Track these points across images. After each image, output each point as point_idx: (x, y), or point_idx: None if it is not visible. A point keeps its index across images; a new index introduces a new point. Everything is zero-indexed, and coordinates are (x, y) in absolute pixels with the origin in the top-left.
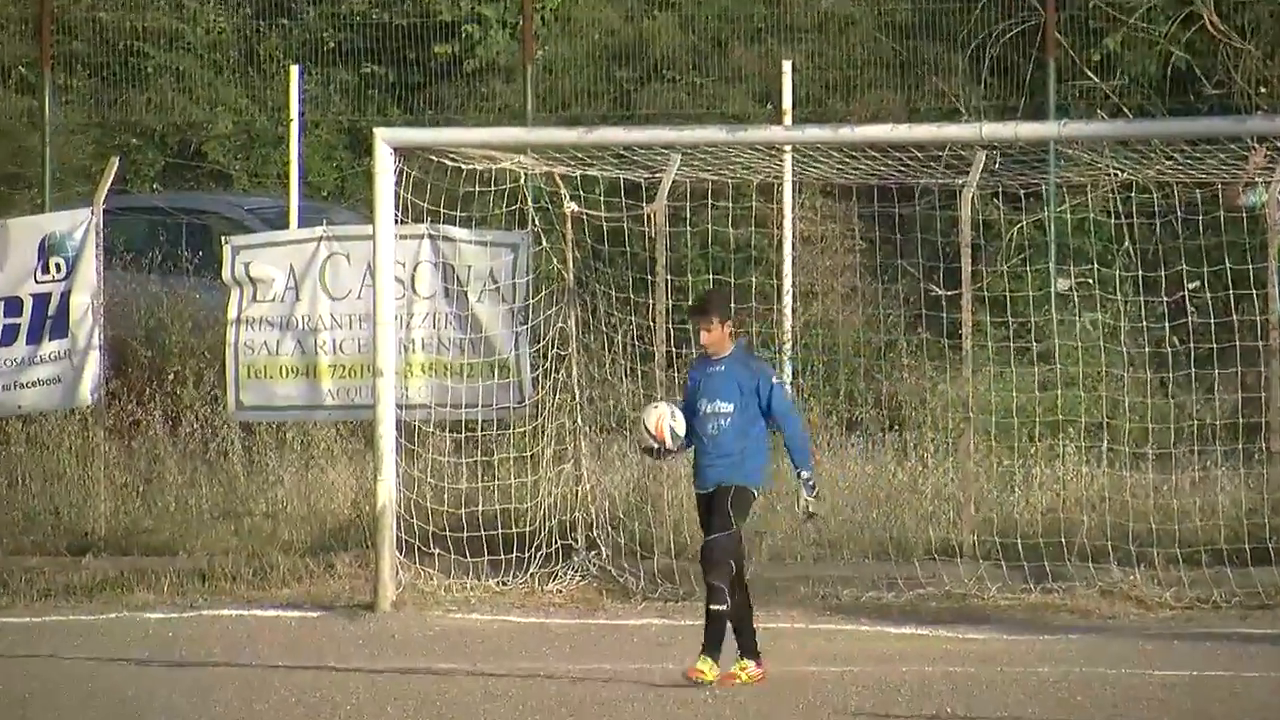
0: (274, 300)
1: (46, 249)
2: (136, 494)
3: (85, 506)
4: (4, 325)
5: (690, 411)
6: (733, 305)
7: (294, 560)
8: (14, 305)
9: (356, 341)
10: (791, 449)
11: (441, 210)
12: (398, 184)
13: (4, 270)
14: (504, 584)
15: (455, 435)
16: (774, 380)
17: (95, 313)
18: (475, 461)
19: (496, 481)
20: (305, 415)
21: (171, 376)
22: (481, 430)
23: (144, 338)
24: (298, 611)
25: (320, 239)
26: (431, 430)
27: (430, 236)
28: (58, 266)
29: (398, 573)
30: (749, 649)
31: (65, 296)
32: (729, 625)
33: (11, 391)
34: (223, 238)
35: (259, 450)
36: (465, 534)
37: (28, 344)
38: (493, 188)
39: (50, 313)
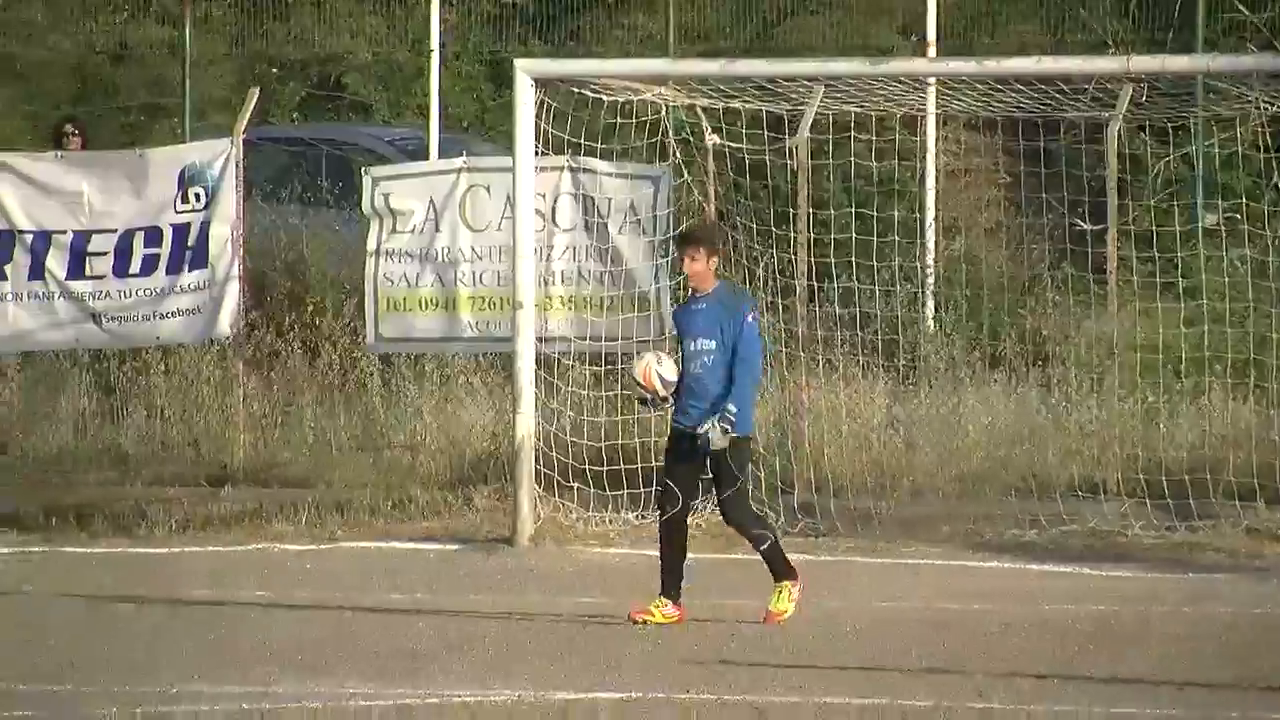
0: (413, 232)
1: (186, 179)
2: (275, 426)
3: (224, 438)
4: (143, 255)
5: (681, 351)
6: (720, 241)
7: (432, 493)
8: (154, 235)
9: (496, 274)
10: (736, 378)
11: (582, 142)
12: (538, 115)
13: (143, 200)
14: (643, 518)
15: (595, 368)
16: (748, 317)
17: (234, 244)
18: (615, 395)
19: (636, 415)
20: (444, 348)
21: (310, 308)
22: (621, 363)
23: (283, 269)
24: (436, 545)
25: (460, 170)
26: (571, 363)
27: (571, 169)
28: (197, 197)
29: (536, 507)
30: (671, 588)
31: (205, 227)
32: (668, 561)
33: (150, 322)
34: (362, 169)
35: (397, 382)
36: (604, 468)
37: (167, 274)
38: (634, 120)
39: (189, 243)
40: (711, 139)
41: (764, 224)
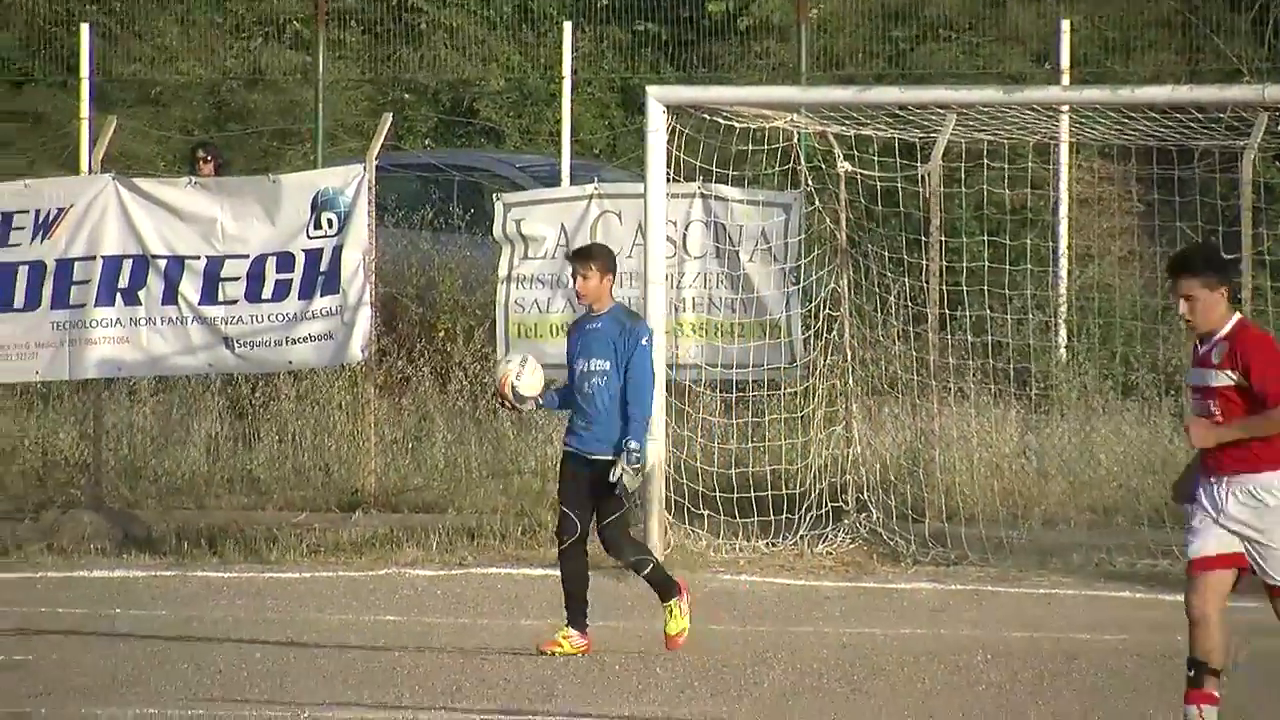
0: (545, 258)
1: (318, 205)
2: (406, 451)
3: (355, 463)
4: (276, 281)
5: (570, 371)
6: (614, 260)
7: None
8: (286, 261)
9: (627, 300)
10: (630, 413)
11: (714, 169)
12: (670, 142)
13: (276, 226)
14: (773, 546)
15: (725, 395)
16: (643, 341)
17: (366, 269)
18: (745, 422)
19: (766, 442)
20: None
21: (442, 333)
22: (752, 390)
23: (414, 294)
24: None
25: (591, 197)
26: (701, 390)
27: (702, 195)
28: (329, 222)
29: (666, 533)
30: (577, 618)
31: (337, 252)
32: (571, 589)
33: (283, 347)
34: (494, 195)
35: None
36: (734, 495)
37: (299, 299)
38: (765, 146)
39: (322, 269)
40: (843, 166)
41: (895, 251)
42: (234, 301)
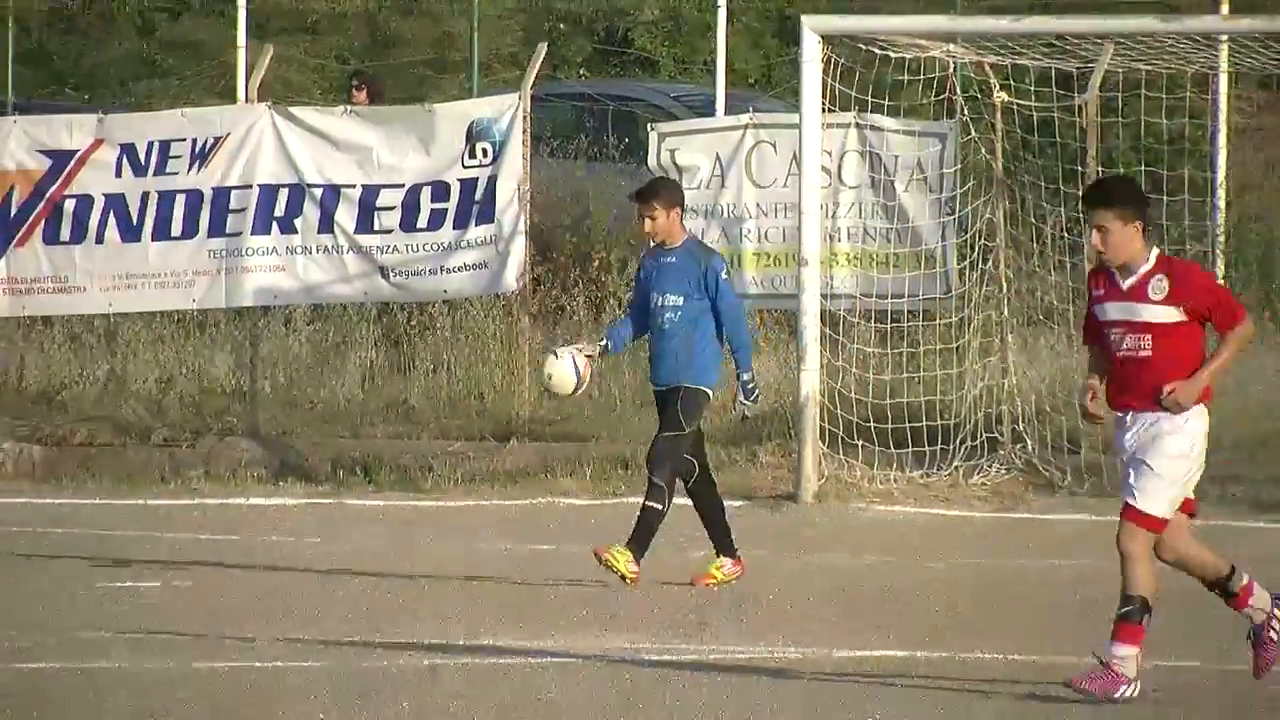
0: (699, 188)
1: (473, 135)
2: None
3: (509, 392)
4: (431, 210)
5: (643, 304)
6: (679, 194)
7: (715, 449)
8: (440, 190)
9: (781, 230)
10: (733, 347)
11: (869, 99)
12: (825, 72)
13: (431, 155)
14: (927, 477)
15: (879, 326)
16: (721, 273)
17: (521, 199)
18: (900, 353)
19: (921, 373)
20: None
21: (595, 263)
22: (906, 321)
23: (569, 224)
24: None
25: (746, 127)
26: (855, 320)
27: (857, 125)
28: (484, 152)
29: (820, 464)
30: (725, 546)
31: (491, 182)
32: (709, 520)
33: (438, 276)
34: (649, 125)
35: None
36: (889, 425)
37: (454, 229)
38: (921, 76)
39: (476, 198)
40: (999, 96)
41: (1051, 182)
42: (389, 231)
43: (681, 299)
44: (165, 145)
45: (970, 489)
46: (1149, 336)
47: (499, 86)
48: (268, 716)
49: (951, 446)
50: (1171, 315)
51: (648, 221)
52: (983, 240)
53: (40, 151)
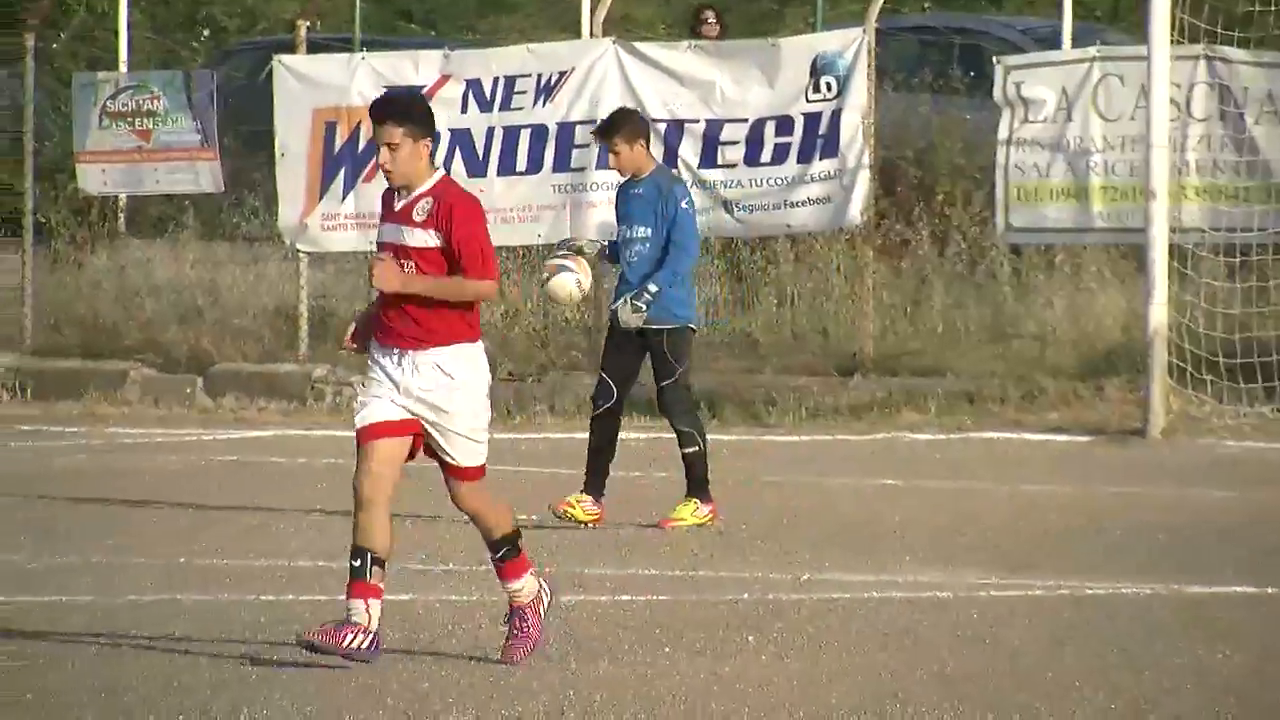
0: (1045, 121)
1: (818, 69)
2: (904, 315)
3: (853, 327)
4: (775, 144)
5: (617, 237)
6: (641, 124)
7: (1062, 384)
8: (785, 124)
9: (1128, 164)
10: (665, 264)
11: (1218, 30)
12: (1174, 4)
13: (775, 89)
14: (1277, 412)
15: (1229, 259)
16: (682, 202)
17: (866, 133)
18: (1249, 286)
19: (1271, 307)
20: (1075, 239)
21: (940, 197)
22: (1256, 254)
23: (913, 158)
24: (1065, 436)
25: (1093, 60)
26: (1204, 254)
27: (1206, 58)
28: (829, 86)
29: (1168, 399)
30: (595, 486)
31: (836, 116)
32: (594, 458)
33: (781, 210)
34: (994, 58)
35: (1027, 272)
36: (1238, 360)
37: (798, 163)
38: (1272, 7)
39: (821, 132)
40: None
41: None
42: (733, 165)
43: (649, 230)
44: (510, 80)
45: None
46: (408, 263)
47: (843, 20)
48: (612, 644)
49: None
50: (430, 240)
51: (611, 157)
52: None
53: (386, 87)
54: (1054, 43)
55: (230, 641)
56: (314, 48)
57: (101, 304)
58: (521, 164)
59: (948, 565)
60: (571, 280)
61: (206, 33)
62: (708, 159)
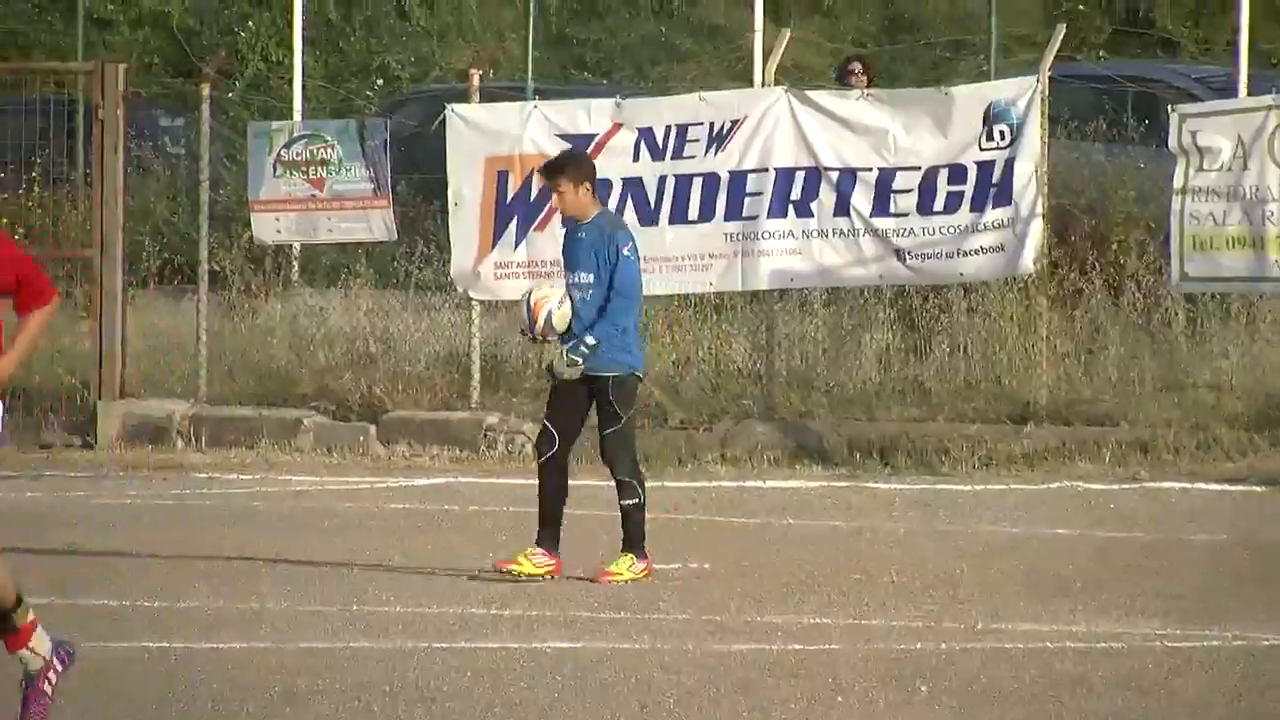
0: (1220, 169)
1: (991, 117)
2: (1078, 363)
3: (1026, 375)
4: (948, 193)
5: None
6: (588, 167)
7: (1238, 434)
8: (958, 173)
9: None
10: (605, 314)
11: None
12: None
13: (948, 138)
14: None
15: None
16: (624, 248)
17: (1038, 181)
18: None
19: None
20: (1250, 287)
21: (1114, 245)
22: None
23: (1086, 206)
24: (1241, 486)
25: (1269, 108)
26: None
27: None
28: (1002, 134)
29: None
30: (548, 538)
31: (1009, 164)
32: (545, 507)
33: (954, 259)
34: (1169, 106)
35: (1203, 321)
36: None
37: (971, 212)
38: None
39: (994, 181)
40: None
41: None
42: (905, 214)
43: (591, 276)
44: (682, 129)
45: None
46: None
47: (1017, 68)
48: (785, 693)
49: None
50: None
51: (555, 198)
52: None
53: (559, 136)
54: (1229, 90)
55: (402, 689)
56: (486, 96)
57: (275, 352)
58: (693, 213)
59: (1122, 615)
60: (554, 298)
61: (380, 81)
62: (880, 207)
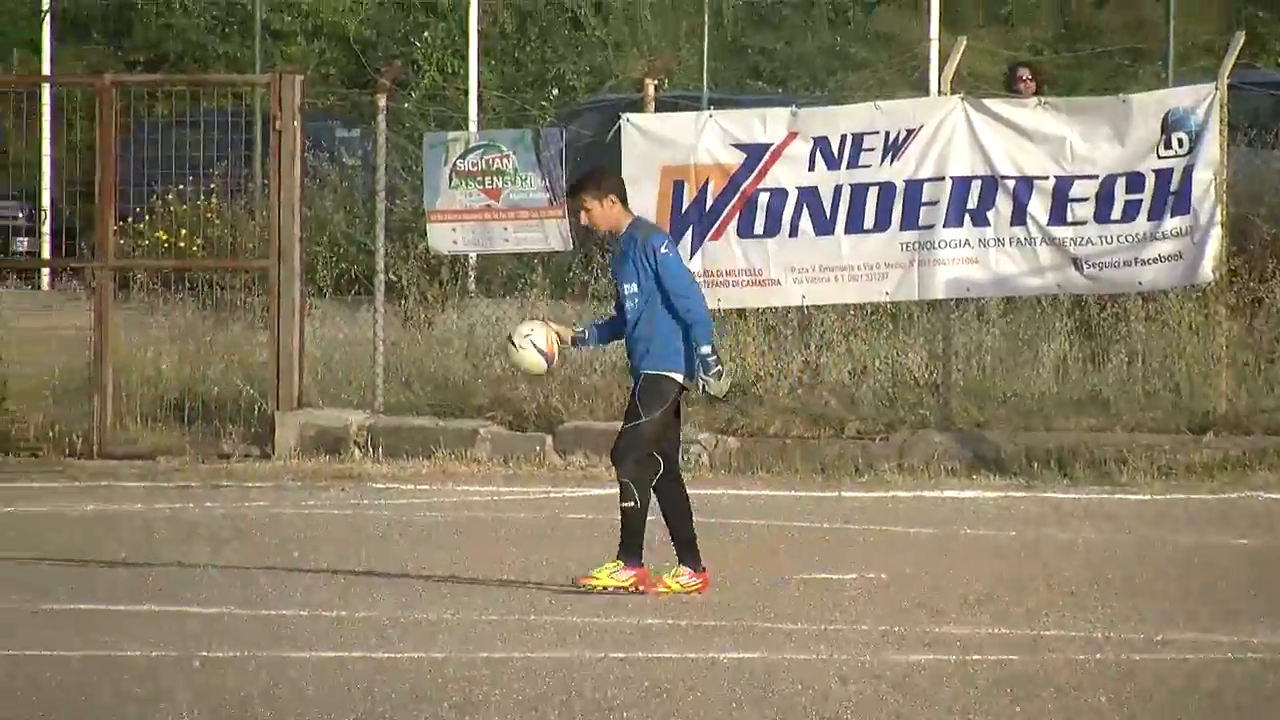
0: None
1: (1169, 124)
2: (1258, 372)
3: (1205, 385)
4: (1125, 201)
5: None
6: (611, 179)
7: None
8: (1136, 181)
9: None
10: (686, 323)
11: None
12: None
13: (1125, 146)
14: None
15: None
16: (661, 248)
17: (1217, 189)
18: None
19: None
20: None
21: None
22: None
23: (1267, 214)
24: None
25: None
26: None
27: None
28: (1180, 142)
29: None
30: (687, 555)
31: (1188, 172)
32: (672, 524)
33: (1132, 268)
34: None
35: None
36: None
37: (1149, 220)
38: None
39: (1172, 189)
40: None
41: None
42: (1083, 222)
43: (636, 286)
44: (858, 138)
45: None
46: None
47: (1194, 75)
48: (965, 704)
49: None
50: None
51: (582, 215)
52: None
53: (734, 145)
54: None
55: (579, 699)
56: (661, 106)
57: (452, 362)
58: (869, 222)
59: (1253, 625)
60: (535, 355)
61: (555, 91)
62: (1057, 216)
